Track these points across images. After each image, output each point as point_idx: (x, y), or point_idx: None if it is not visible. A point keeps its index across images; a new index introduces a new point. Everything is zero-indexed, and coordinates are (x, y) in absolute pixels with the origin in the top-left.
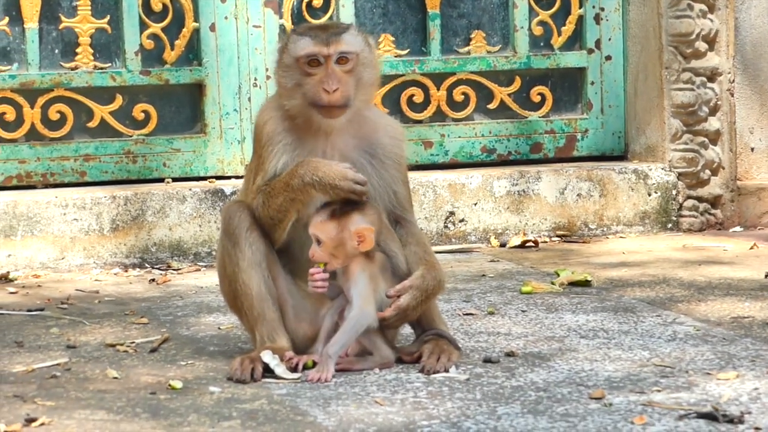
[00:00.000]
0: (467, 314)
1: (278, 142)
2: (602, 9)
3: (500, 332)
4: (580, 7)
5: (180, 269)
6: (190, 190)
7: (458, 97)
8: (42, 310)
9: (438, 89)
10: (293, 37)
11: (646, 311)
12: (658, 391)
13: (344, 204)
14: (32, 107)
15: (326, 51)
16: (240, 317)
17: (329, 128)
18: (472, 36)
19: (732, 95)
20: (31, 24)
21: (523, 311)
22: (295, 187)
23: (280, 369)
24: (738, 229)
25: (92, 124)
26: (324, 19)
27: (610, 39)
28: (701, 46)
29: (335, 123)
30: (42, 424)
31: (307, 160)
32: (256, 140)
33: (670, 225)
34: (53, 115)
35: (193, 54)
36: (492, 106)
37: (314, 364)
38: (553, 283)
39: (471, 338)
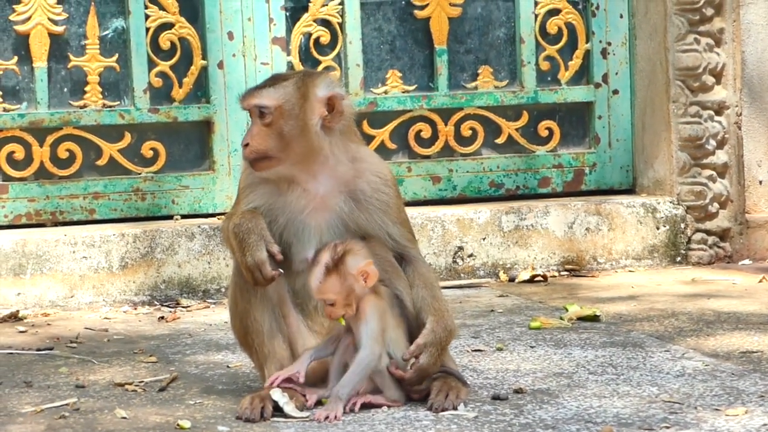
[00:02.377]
0: (476, 350)
1: (252, 192)
2: (609, 43)
3: (509, 369)
4: (587, 42)
5: (189, 306)
6: (198, 227)
7: (466, 132)
8: (51, 349)
9: (446, 124)
10: None
11: (654, 346)
12: (667, 427)
13: (324, 252)
14: (41, 146)
15: (242, 104)
16: (250, 354)
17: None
18: (480, 71)
19: (739, 128)
20: (40, 63)
21: (531, 347)
22: (230, 228)
23: (289, 407)
24: (747, 262)
25: (101, 162)
26: (331, 56)
27: (617, 73)
28: (708, 79)
29: (264, 175)
30: None
31: (256, 216)
32: (239, 182)
33: (678, 258)
34: (62, 153)
35: (201, 91)
36: (500, 140)
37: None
38: (561, 318)
39: (479, 375)
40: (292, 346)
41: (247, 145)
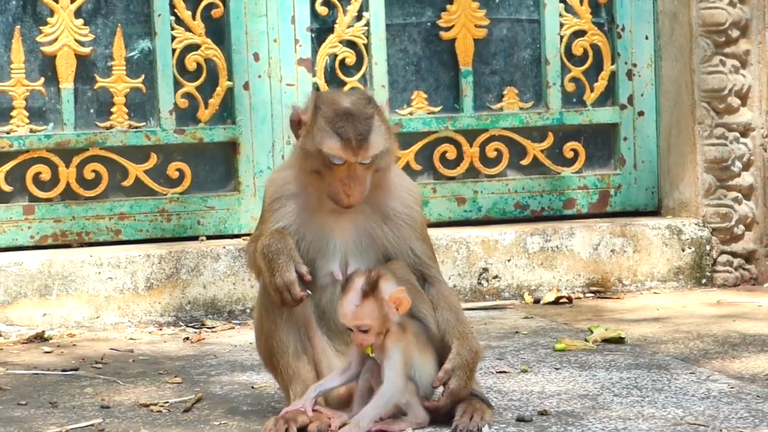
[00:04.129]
0: (501, 372)
1: (279, 208)
2: (634, 65)
3: (534, 390)
4: (613, 64)
5: (214, 327)
6: (224, 248)
7: (491, 153)
8: (76, 369)
9: (471, 145)
10: (319, 123)
11: (679, 368)
12: None
13: (356, 277)
14: (67, 167)
15: (353, 159)
16: (274, 375)
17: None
18: (505, 92)
19: (765, 150)
20: (67, 84)
21: (556, 369)
22: (258, 249)
23: None
24: None
25: (127, 183)
26: (357, 77)
27: (642, 95)
28: (734, 101)
29: (349, 212)
30: None
31: (284, 236)
32: (264, 198)
33: (704, 280)
34: (88, 174)
35: (227, 112)
36: (525, 162)
37: None
38: (586, 340)
39: (504, 396)
40: (316, 367)
41: (357, 191)
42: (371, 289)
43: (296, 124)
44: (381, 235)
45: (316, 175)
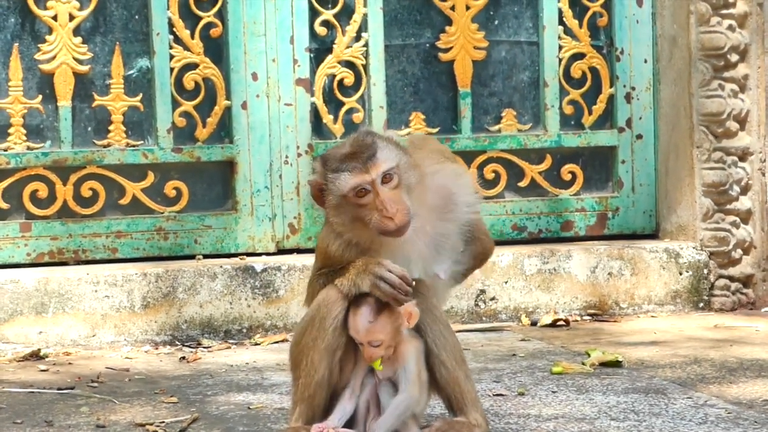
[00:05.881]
0: (498, 395)
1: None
2: (633, 88)
3: (530, 414)
4: (611, 86)
5: (210, 347)
6: (220, 267)
7: (489, 175)
8: (72, 388)
9: (469, 167)
10: (330, 176)
11: (677, 393)
12: None
13: (367, 294)
14: (65, 184)
15: (370, 178)
16: (293, 383)
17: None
18: (503, 114)
19: (763, 174)
20: (64, 102)
21: (553, 392)
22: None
23: None
24: None
25: (124, 201)
26: (355, 98)
27: (641, 118)
28: (732, 125)
29: (406, 238)
30: None
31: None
32: (323, 256)
33: (701, 304)
34: (85, 192)
35: (224, 131)
36: (523, 184)
37: None
38: (584, 364)
39: (501, 420)
40: (336, 392)
41: (397, 210)
42: (384, 304)
43: (318, 194)
44: (446, 233)
45: (358, 224)
